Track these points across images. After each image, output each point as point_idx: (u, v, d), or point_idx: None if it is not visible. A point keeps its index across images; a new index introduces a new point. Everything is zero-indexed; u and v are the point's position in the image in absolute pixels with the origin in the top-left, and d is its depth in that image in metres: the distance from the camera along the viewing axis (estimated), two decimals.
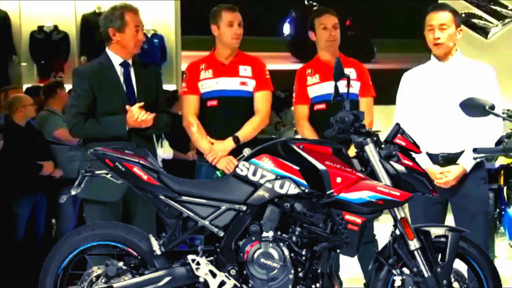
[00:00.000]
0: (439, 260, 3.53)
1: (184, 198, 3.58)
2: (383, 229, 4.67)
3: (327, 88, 4.67)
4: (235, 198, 3.56)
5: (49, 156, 6.33)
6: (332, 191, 3.43)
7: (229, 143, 4.49)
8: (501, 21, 10.13)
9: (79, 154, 5.49)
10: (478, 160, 4.10)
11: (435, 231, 3.56)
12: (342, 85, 3.61)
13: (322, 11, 4.93)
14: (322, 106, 4.77)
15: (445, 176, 4.13)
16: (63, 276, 3.62)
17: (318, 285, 3.51)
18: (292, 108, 5.13)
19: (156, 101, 4.46)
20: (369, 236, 4.65)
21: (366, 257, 4.04)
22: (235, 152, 4.29)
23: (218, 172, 4.42)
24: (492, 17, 10.13)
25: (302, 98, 4.85)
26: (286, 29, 10.95)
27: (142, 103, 4.25)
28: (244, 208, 3.54)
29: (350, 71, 4.78)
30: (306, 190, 3.48)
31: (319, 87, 4.82)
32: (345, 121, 3.51)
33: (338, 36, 4.89)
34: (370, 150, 3.51)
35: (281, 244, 3.52)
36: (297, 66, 5.48)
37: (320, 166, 3.46)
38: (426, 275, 3.47)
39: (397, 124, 3.56)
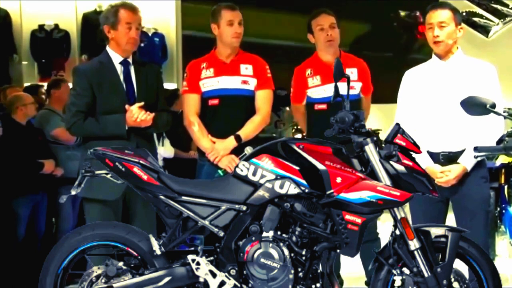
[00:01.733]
0: (439, 260, 3.52)
1: (184, 198, 3.57)
2: (383, 228, 4.67)
3: (329, 91, 4.64)
4: (235, 198, 3.55)
5: (50, 155, 6.30)
6: (332, 191, 3.42)
7: (230, 142, 4.49)
8: (501, 20, 10.12)
9: (79, 154, 5.48)
10: (479, 158, 4.10)
11: (435, 231, 3.55)
12: (342, 85, 3.60)
13: (319, 12, 4.90)
14: (323, 106, 4.77)
15: (445, 175, 4.12)
16: (63, 276, 3.62)
17: (318, 285, 3.50)
18: (288, 108, 5.14)
19: (156, 99, 4.45)
20: (372, 235, 4.65)
21: (368, 255, 4.04)
22: (237, 151, 4.28)
23: (219, 171, 4.41)
24: (492, 16, 10.13)
25: (299, 98, 4.90)
26: None
27: (142, 103, 4.24)
28: (244, 208, 3.53)
29: (352, 71, 4.78)
30: (306, 190, 3.47)
31: (320, 90, 4.82)
32: (345, 121, 3.50)
33: (337, 36, 4.87)
34: (370, 150, 3.50)
35: (281, 244, 3.51)
36: None
37: (320, 166, 3.45)
38: (426, 275, 3.46)
39: (397, 124, 3.55)
